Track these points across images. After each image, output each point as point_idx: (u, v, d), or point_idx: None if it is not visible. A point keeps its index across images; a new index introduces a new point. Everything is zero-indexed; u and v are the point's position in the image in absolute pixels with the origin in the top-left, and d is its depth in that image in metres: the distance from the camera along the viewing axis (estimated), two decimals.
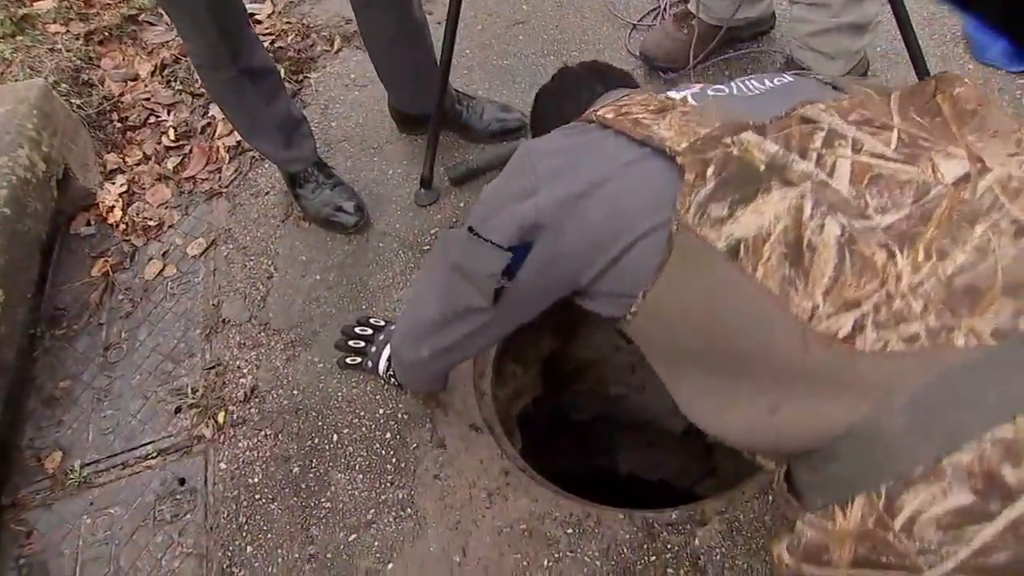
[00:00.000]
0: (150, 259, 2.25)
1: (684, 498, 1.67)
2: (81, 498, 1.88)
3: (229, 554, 1.70)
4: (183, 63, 2.61)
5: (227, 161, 2.39)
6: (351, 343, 1.84)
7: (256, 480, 1.78)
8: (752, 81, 1.15)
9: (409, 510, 1.66)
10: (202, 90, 2.54)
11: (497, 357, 1.93)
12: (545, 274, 1.13)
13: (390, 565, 1.61)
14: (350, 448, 1.77)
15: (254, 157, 2.37)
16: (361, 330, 1.84)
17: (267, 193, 2.29)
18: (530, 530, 1.60)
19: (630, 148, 1.04)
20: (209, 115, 2.50)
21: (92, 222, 2.39)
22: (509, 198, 1.13)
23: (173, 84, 2.58)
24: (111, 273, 2.25)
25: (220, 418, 1.89)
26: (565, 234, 1.07)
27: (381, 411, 1.80)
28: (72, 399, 2.05)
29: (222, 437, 1.87)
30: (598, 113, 1.11)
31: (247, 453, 1.83)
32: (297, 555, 1.66)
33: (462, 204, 2.11)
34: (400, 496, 1.68)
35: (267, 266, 2.13)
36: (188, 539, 1.75)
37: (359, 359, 1.82)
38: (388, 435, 1.77)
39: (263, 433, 1.85)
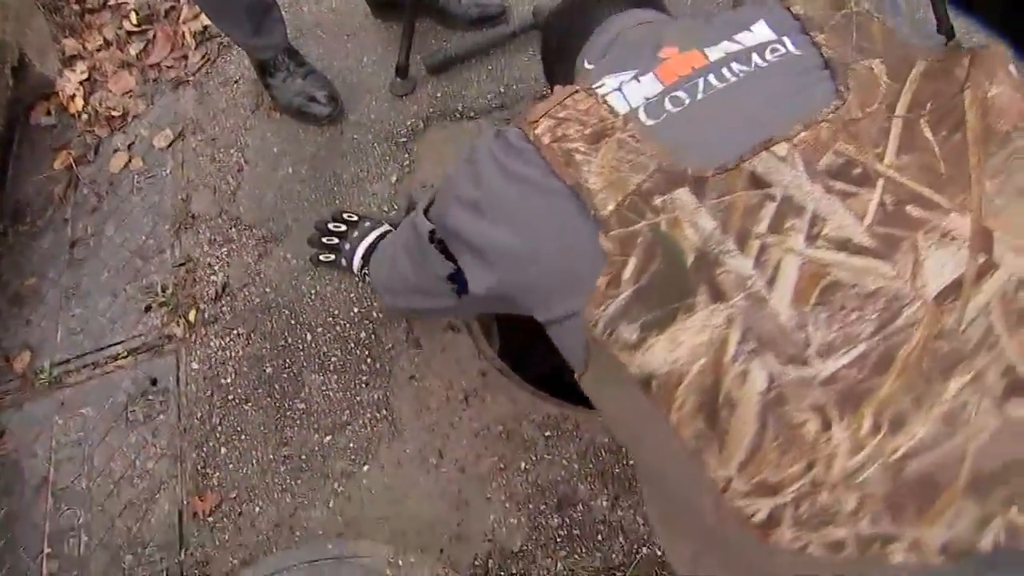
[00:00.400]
0: (115, 151, 2.15)
1: None
2: (52, 398, 1.84)
3: (203, 455, 1.67)
4: None
5: (193, 47, 2.25)
6: (324, 239, 1.76)
7: (229, 381, 1.74)
8: (737, 47, 0.87)
9: (384, 411, 1.63)
10: None
11: None
12: (491, 299, 0.98)
13: (365, 467, 1.58)
14: (324, 348, 1.72)
15: (222, 43, 2.23)
16: (335, 226, 1.75)
17: (236, 81, 2.16)
18: (507, 432, 1.56)
19: (562, 199, 0.82)
20: None
21: (52, 111, 2.28)
22: (457, 201, 0.95)
23: None
24: (75, 166, 2.15)
25: (191, 317, 1.83)
26: (502, 276, 0.91)
27: (355, 309, 1.74)
28: (39, 297, 1.99)
29: (193, 336, 1.82)
30: (537, 132, 0.85)
31: (219, 353, 1.78)
32: (271, 456, 1.63)
33: (439, 94, 1.99)
34: (375, 397, 1.64)
35: (237, 159, 2.03)
36: (162, 440, 1.72)
37: (332, 256, 1.75)
38: (363, 335, 1.72)
39: (235, 332, 1.79)
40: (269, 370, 1.72)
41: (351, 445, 1.61)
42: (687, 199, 0.75)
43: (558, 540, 1.46)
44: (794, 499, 0.67)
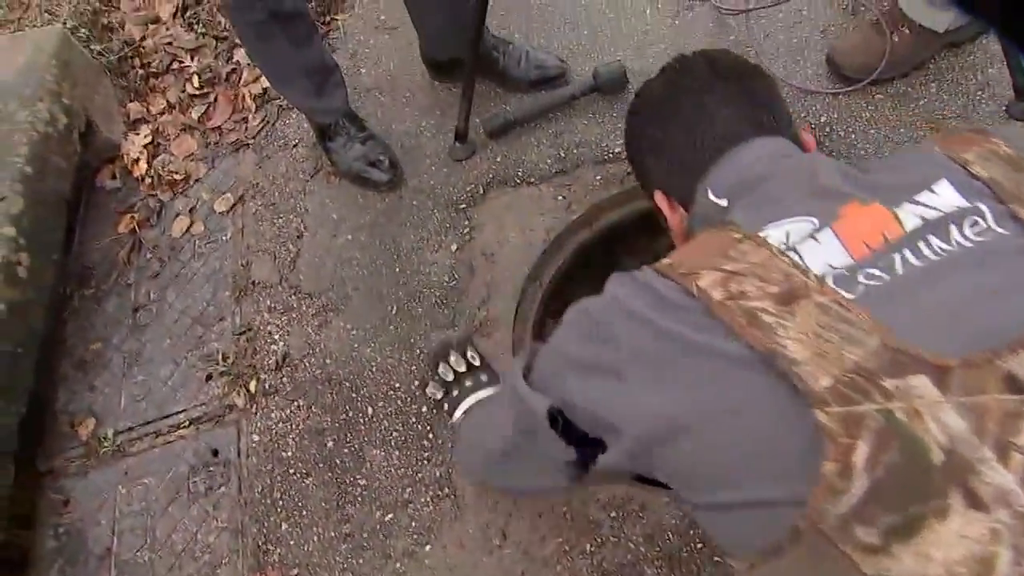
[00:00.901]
0: (177, 215, 2.18)
1: None
2: (115, 467, 1.85)
3: (264, 531, 1.66)
4: (205, 3, 2.47)
5: (253, 110, 2.28)
6: (441, 368, 1.58)
7: (289, 454, 1.73)
8: (932, 214, 0.77)
9: (447, 489, 1.60)
10: (226, 33, 2.41)
11: (537, 319, 1.84)
12: (620, 474, 0.90)
13: (427, 547, 1.56)
14: (385, 422, 1.71)
15: (281, 106, 2.25)
16: (456, 362, 1.57)
17: (295, 145, 2.18)
18: (572, 513, 1.53)
19: (742, 367, 0.72)
20: (234, 60, 2.38)
21: (117, 175, 2.31)
22: (583, 369, 0.86)
23: (196, 27, 2.45)
24: (138, 230, 2.18)
25: (252, 387, 1.84)
26: (651, 457, 0.81)
27: (417, 383, 1.72)
28: (103, 363, 2.01)
29: (254, 407, 1.81)
30: (701, 285, 0.76)
31: (280, 425, 1.77)
32: (332, 534, 1.62)
33: (498, 158, 1.98)
34: (437, 474, 1.62)
35: (297, 224, 2.04)
36: (223, 513, 1.72)
37: (441, 394, 1.59)
38: (423, 409, 1.70)
39: (296, 404, 1.79)
40: (330, 444, 1.71)
41: (413, 524, 1.58)
42: (929, 390, 0.65)
43: None
44: None
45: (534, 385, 0.95)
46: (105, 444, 1.87)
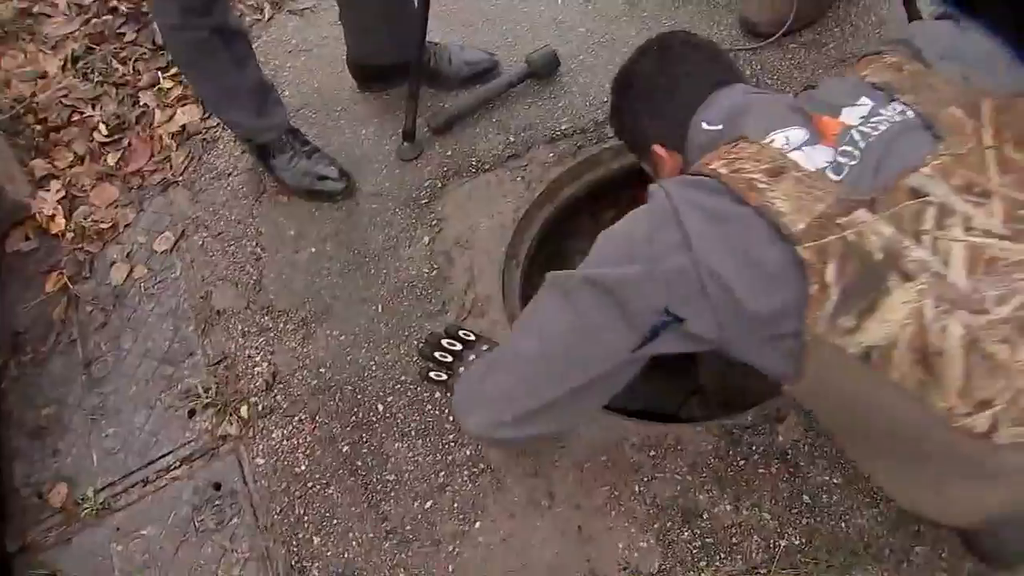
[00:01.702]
0: (113, 263, 2.06)
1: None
2: (103, 526, 1.71)
3: (295, 549, 1.58)
4: (98, 52, 2.38)
5: (175, 148, 2.20)
6: (438, 354, 1.58)
7: (303, 468, 1.66)
8: (860, 113, 1.10)
9: (481, 465, 1.59)
10: (127, 78, 2.33)
11: (523, 294, 1.86)
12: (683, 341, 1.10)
13: (476, 524, 1.53)
14: (400, 415, 1.67)
15: (205, 139, 2.19)
16: (449, 343, 1.58)
17: (230, 174, 2.12)
18: (612, 460, 1.55)
19: (753, 225, 1.00)
20: (141, 104, 2.30)
21: (31, 236, 2.17)
22: (652, 245, 1.06)
23: (91, 76, 2.35)
24: (70, 285, 2.05)
25: (244, 412, 1.75)
26: (712, 310, 1.03)
27: (420, 372, 1.71)
28: (62, 425, 1.86)
29: (251, 431, 1.73)
30: (711, 167, 1.06)
31: (285, 443, 1.70)
32: (372, 534, 1.56)
33: (449, 152, 2.02)
34: (467, 453, 1.61)
35: (252, 248, 1.98)
36: (242, 544, 1.62)
37: (445, 375, 1.56)
38: (437, 394, 1.68)
39: (297, 418, 1.72)
40: (346, 448, 1.66)
41: (455, 505, 1.56)
42: (865, 216, 0.96)
43: (694, 553, 1.45)
44: (1003, 407, 0.91)
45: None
46: (85, 505, 1.72)
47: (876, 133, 1.04)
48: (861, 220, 0.95)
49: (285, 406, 1.74)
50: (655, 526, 1.48)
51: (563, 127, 1.98)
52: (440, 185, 1.97)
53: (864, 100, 1.10)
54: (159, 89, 2.32)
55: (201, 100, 2.20)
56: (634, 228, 1.11)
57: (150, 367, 1.88)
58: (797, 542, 1.42)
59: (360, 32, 2.01)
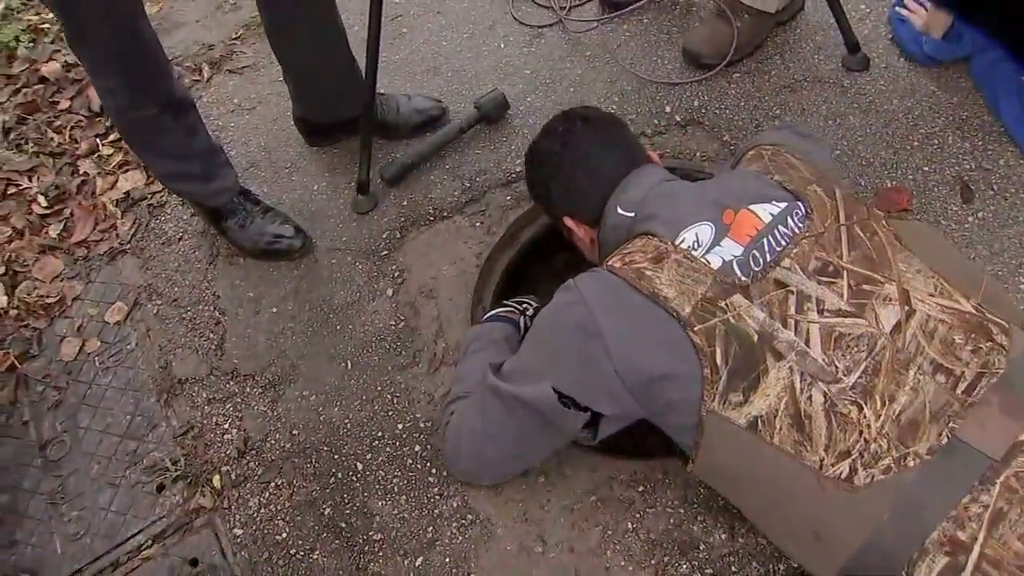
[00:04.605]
0: (63, 338, 1.99)
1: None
2: None
3: None
4: (31, 122, 2.32)
5: (120, 216, 2.14)
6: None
7: (284, 535, 1.61)
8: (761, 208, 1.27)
9: (469, 516, 1.57)
10: (63, 148, 2.27)
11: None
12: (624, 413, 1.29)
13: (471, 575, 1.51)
14: (380, 472, 1.64)
15: (152, 205, 2.14)
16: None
17: (180, 239, 2.08)
18: (601, 499, 1.55)
19: (650, 310, 1.18)
20: (81, 172, 2.24)
21: None
22: (570, 347, 1.25)
23: (25, 147, 2.28)
24: (18, 365, 1.97)
25: (216, 482, 1.70)
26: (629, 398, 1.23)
27: (400, 426, 1.68)
28: (19, 512, 1.78)
29: (226, 502, 1.68)
30: (609, 263, 1.26)
31: (263, 510, 1.65)
32: None
33: (404, 202, 2.01)
34: (454, 505, 1.58)
35: (210, 313, 1.93)
36: None
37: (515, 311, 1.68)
38: (417, 448, 1.66)
39: (273, 484, 1.67)
40: (327, 510, 1.62)
41: (448, 560, 1.53)
42: (741, 302, 1.16)
43: None
44: (859, 453, 1.10)
45: (515, 377, 1.34)
46: None
47: (765, 223, 1.23)
48: (739, 304, 1.15)
49: (260, 472, 1.69)
50: (652, 562, 1.48)
51: (517, 169, 2.00)
52: (399, 235, 1.96)
53: (778, 198, 1.28)
54: (99, 156, 2.27)
55: (149, 172, 2.15)
56: (554, 331, 1.30)
57: (112, 443, 1.81)
58: (795, 566, 1.43)
59: (306, 90, 2.00)
